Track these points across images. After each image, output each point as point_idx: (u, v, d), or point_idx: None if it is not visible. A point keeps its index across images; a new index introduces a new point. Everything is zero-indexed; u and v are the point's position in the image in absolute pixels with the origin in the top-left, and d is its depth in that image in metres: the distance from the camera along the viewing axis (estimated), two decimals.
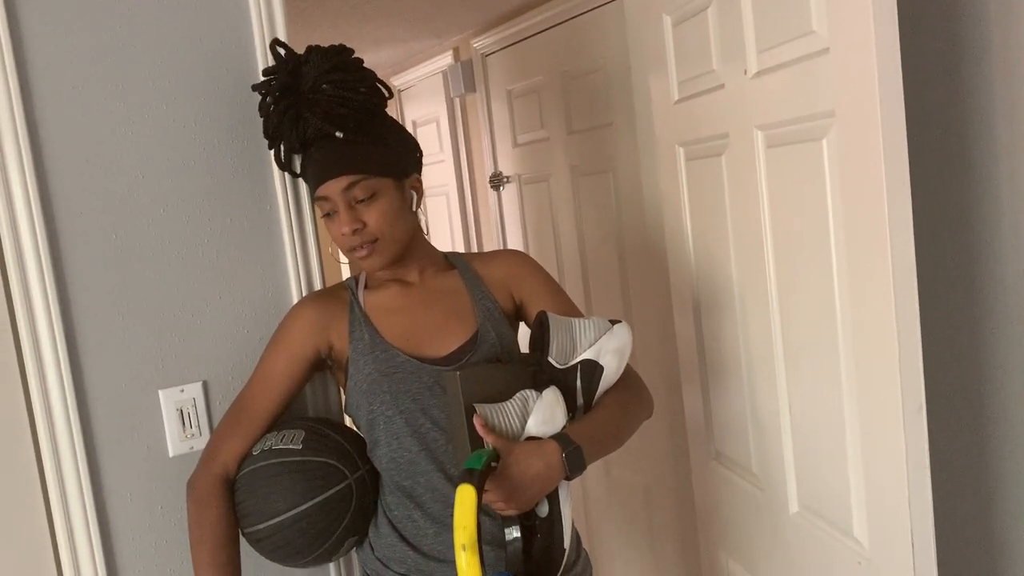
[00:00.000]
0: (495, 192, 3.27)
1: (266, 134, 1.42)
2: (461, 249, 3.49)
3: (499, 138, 3.20)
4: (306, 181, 1.45)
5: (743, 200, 1.49)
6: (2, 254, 1.33)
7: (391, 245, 1.39)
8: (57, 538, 1.38)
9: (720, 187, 1.56)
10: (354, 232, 1.35)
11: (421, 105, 3.74)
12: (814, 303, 1.32)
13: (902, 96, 1.11)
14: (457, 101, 3.49)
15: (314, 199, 1.41)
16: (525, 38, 2.85)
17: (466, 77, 3.28)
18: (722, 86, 1.50)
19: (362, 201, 1.35)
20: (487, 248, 3.40)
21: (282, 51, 1.40)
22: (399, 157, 1.41)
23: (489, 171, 3.28)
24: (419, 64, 3.66)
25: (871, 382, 1.21)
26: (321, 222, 1.54)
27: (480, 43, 3.15)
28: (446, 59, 3.44)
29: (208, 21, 1.48)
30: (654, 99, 1.81)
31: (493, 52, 3.11)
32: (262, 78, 1.42)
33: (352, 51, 1.39)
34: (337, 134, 1.35)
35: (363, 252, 1.38)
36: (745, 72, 1.41)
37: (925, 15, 1.52)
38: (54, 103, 1.36)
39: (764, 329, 1.48)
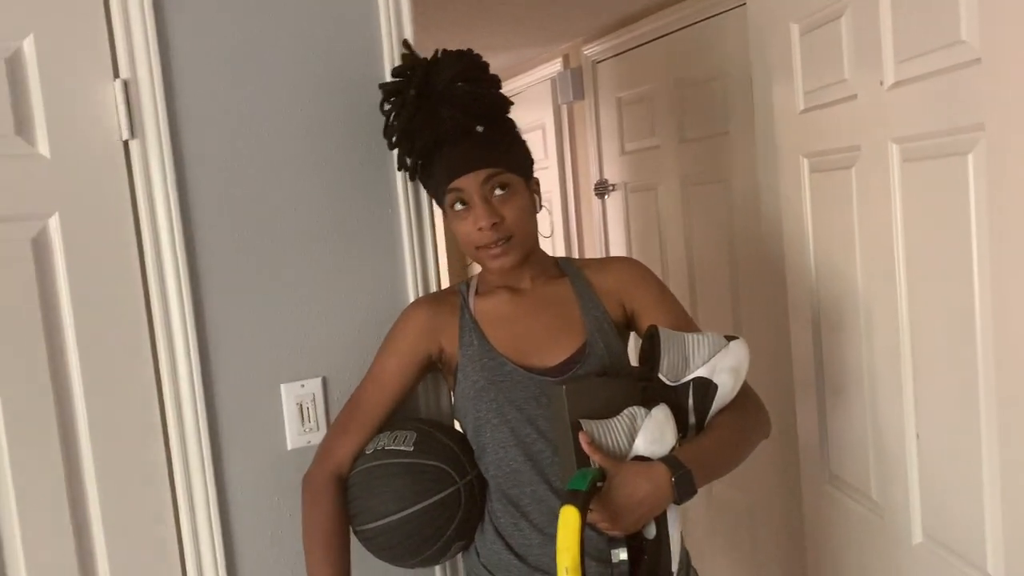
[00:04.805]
0: (599, 200, 3.25)
1: (389, 134, 1.42)
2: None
3: (606, 146, 3.18)
4: (427, 184, 1.45)
5: (874, 214, 1.43)
6: (142, 248, 1.39)
7: (523, 243, 1.37)
8: (180, 521, 1.43)
9: (848, 200, 1.50)
10: (492, 226, 1.32)
11: (527, 112, 3.74)
12: (952, 323, 1.26)
13: None
14: (564, 108, 3.49)
15: (446, 191, 1.36)
16: (638, 45, 2.83)
17: (575, 84, 3.27)
18: (854, 97, 1.45)
19: (499, 196, 1.34)
20: (588, 256, 3.39)
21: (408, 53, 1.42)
22: (526, 158, 1.42)
23: (594, 179, 3.27)
24: (526, 71, 3.68)
25: (1014, 408, 1.14)
26: (439, 226, 1.56)
27: (591, 50, 3.14)
28: (555, 66, 3.45)
29: (337, 22, 1.50)
30: (777, 109, 1.77)
31: (604, 59, 3.10)
32: (389, 79, 1.44)
33: (480, 55, 1.40)
34: (477, 128, 1.34)
35: (496, 250, 1.34)
36: (881, 83, 1.36)
37: None
38: (194, 99, 1.41)
39: (892, 348, 1.42)
